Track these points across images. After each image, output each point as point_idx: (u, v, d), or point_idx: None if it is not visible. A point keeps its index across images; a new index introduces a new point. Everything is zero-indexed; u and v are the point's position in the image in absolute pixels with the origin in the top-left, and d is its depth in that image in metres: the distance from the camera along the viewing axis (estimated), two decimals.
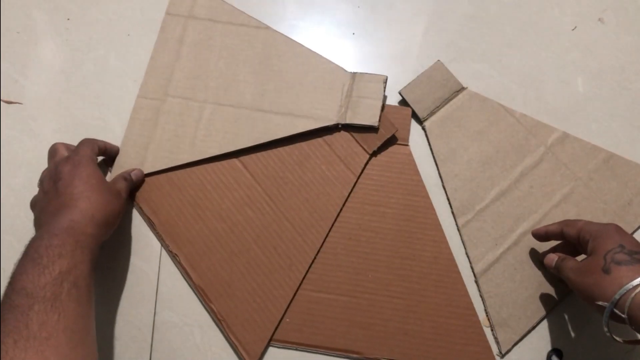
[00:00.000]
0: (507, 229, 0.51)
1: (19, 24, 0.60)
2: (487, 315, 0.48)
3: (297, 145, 0.54)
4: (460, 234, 0.51)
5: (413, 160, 0.53)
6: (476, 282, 0.49)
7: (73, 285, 0.38)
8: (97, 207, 0.43)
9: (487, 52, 0.59)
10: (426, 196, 0.52)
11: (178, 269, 0.50)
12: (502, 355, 0.47)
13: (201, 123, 0.54)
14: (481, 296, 0.49)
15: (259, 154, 0.53)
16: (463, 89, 0.56)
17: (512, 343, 0.47)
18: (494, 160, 0.53)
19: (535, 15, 0.60)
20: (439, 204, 0.52)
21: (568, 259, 0.44)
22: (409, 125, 0.55)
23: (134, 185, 0.51)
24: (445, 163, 0.53)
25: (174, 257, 0.50)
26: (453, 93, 0.55)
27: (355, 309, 0.49)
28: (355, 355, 0.47)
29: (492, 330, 0.48)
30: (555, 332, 0.48)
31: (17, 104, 0.57)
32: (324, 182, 0.52)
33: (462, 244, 0.51)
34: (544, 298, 0.48)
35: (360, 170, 0.53)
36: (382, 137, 0.53)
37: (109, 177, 0.54)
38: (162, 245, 0.51)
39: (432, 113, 0.55)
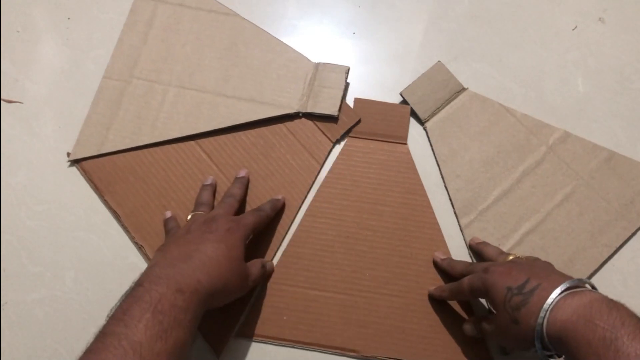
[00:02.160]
0: (509, 229, 0.51)
1: (19, 23, 0.60)
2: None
3: (262, 134, 0.54)
4: (462, 235, 0.51)
5: (411, 159, 0.54)
6: None
7: None
8: (220, 281, 0.40)
9: (487, 52, 0.59)
10: (424, 195, 0.52)
11: (144, 260, 0.51)
12: (506, 354, 0.47)
13: (164, 106, 0.55)
14: None
15: (220, 141, 0.54)
16: (464, 89, 0.56)
17: None
18: (496, 161, 0.53)
19: (536, 15, 0.60)
20: (440, 204, 0.52)
21: (483, 323, 0.42)
22: (408, 124, 0.55)
23: (267, 277, 0.49)
24: (447, 164, 0.53)
25: (139, 248, 0.51)
26: (454, 94, 0.56)
27: (353, 307, 0.49)
28: (352, 353, 0.47)
29: None
30: None
31: (18, 103, 0.57)
32: (289, 171, 0.53)
33: (464, 244, 0.51)
34: None
35: (324, 159, 0.53)
36: (345, 125, 0.54)
37: (72, 153, 0.54)
38: (128, 236, 0.51)
39: (433, 114, 0.55)
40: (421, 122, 0.55)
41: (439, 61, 0.56)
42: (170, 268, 0.39)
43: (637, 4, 0.60)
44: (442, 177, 0.53)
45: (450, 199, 0.52)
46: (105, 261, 0.51)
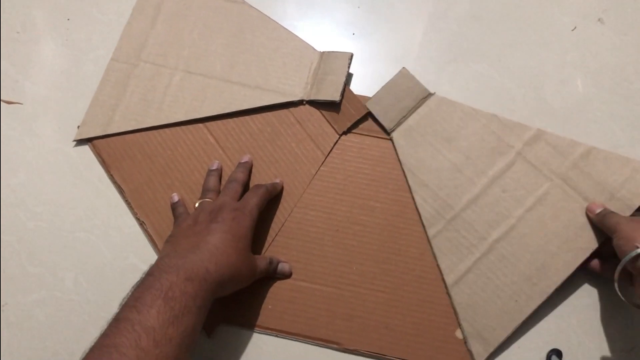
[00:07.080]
0: (479, 237, 0.49)
1: (19, 24, 0.60)
2: (459, 327, 0.47)
3: (270, 121, 0.55)
4: (430, 245, 0.50)
5: None
6: (448, 293, 0.48)
7: (186, 349, 0.37)
8: (228, 271, 0.41)
9: (487, 52, 0.59)
10: None
11: (145, 236, 0.51)
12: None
13: (170, 89, 0.56)
14: (453, 308, 0.48)
15: (228, 125, 0.55)
16: (430, 95, 0.54)
17: (487, 355, 0.46)
18: (465, 167, 0.51)
19: (535, 15, 0.60)
20: None
21: (613, 214, 0.45)
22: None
23: (273, 275, 0.49)
24: (414, 173, 0.52)
25: (141, 224, 0.51)
26: (420, 100, 0.54)
27: (338, 300, 0.49)
28: (334, 346, 0.47)
29: (465, 342, 0.47)
30: (555, 332, 0.48)
31: (18, 104, 0.57)
32: (293, 160, 0.53)
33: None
34: (518, 306, 0.47)
35: (329, 150, 0.54)
36: (352, 117, 0.54)
37: (77, 133, 0.55)
38: (130, 212, 0.52)
39: (399, 123, 0.53)
40: (387, 133, 0.54)
41: (403, 67, 0.55)
42: (179, 259, 0.40)
43: (636, 5, 0.60)
44: (409, 187, 0.52)
45: (418, 210, 0.51)
46: (105, 262, 0.51)
